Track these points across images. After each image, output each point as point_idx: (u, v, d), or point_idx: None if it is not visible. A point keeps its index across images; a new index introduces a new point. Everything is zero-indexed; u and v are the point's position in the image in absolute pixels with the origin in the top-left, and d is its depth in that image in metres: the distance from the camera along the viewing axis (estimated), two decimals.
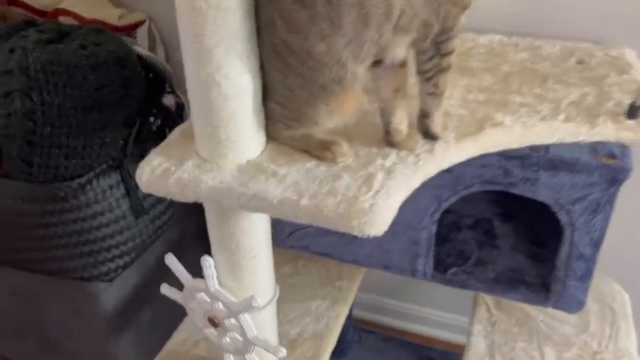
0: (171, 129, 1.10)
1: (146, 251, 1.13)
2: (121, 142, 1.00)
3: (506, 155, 0.82)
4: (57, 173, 0.94)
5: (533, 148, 0.82)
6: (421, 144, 0.65)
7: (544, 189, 0.83)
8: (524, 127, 0.71)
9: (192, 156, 0.63)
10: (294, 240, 1.05)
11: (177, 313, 0.96)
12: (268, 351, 0.73)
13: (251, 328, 0.71)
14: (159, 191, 0.62)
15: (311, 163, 0.62)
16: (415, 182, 0.63)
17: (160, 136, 1.11)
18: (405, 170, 0.62)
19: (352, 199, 0.57)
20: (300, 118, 0.61)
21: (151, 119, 1.08)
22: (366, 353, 1.37)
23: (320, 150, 0.62)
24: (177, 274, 0.75)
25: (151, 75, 1.09)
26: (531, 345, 0.98)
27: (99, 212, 1.00)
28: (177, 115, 1.15)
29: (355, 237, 1.01)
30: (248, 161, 0.62)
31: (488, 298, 1.07)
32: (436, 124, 0.66)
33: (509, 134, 0.69)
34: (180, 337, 1.00)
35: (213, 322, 0.74)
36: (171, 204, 1.14)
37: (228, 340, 0.77)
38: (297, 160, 0.62)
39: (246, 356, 0.74)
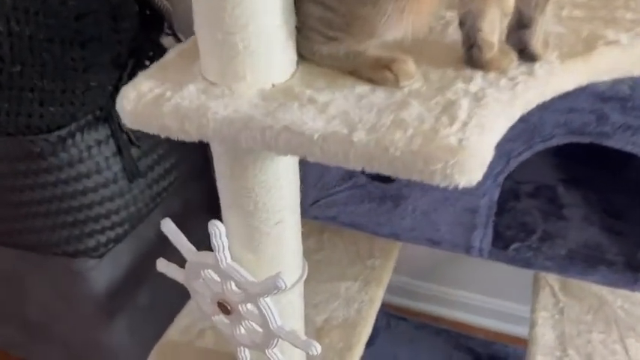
0: None
1: (142, 222, 0.95)
2: (110, 87, 0.82)
3: (601, 96, 0.64)
4: (30, 123, 0.76)
5: (635, 87, 0.64)
6: (515, 64, 0.47)
7: None
8: None
9: (195, 78, 0.44)
10: (320, 209, 0.87)
11: (179, 296, 0.79)
12: (296, 346, 0.56)
13: (274, 317, 0.53)
14: (149, 125, 0.44)
15: (363, 88, 0.44)
16: (515, 113, 0.45)
17: None
18: (499, 96, 0.43)
19: (430, 133, 0.38)
20: (351, 25, 0.42)
21: (147, 62, 0.90)
22: (396, 342, 1.20)
23: (375, 70, 0.44)
24: (178, 246, 0.58)
25: (147, 12, 0.91)
26: (610, 337, 0.80)
27: (84, 174, 0.82)
28: None
29: (396, 205, 0.84)
30: (274, 85, 0.43)
31: (552, 280, 0.89)
32: (537, 37, 0.47)
33: (629, 55, 0.50)
34: (181, 323, 0.83)
35: (224, 308, 0.57)
36: (173, 167, 0.97)
37: (242, 331, 0.59)
38: (343, 83, 0.44)
39: (266, 352, 0.57)
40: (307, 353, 0.57)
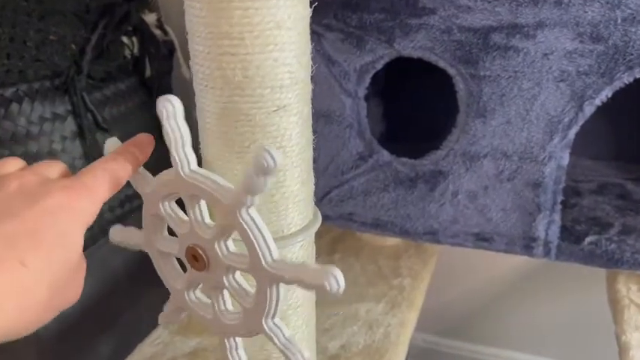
0: (153, 61, 0.78)
1: (105, 235, 0.75)
2: (73, 47, 0.66)
3: None
4: None
5: None
6: None
7: None
8: None
9: None
10: (332, 205, 0.68)
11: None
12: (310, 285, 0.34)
13: (264, 238, 0.32)
14: None
15: None
16: None
17: (136, 70, 0.78)
18: None
19: None
20: None
21: (124, 39, 0.76)
22: None
23: None
24: (129, 240, 0.39)
25: None
26: None
27: (33, 154, 0.64)
28: (166, 50, 0.82)
29: (431, 188, 0.65)
30: None
31: (636, 296, 0.68)
32: None
33: None
34: (145, 353, 0.60)
35: (198, 259, 0.37)
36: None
37: (227, 300, 0.38)
38: None
39: (264, 323, 0.35)
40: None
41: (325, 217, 0.70)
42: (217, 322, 0.38)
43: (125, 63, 0.76)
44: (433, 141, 0.64)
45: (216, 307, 0.38)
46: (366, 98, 0.64)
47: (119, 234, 0.44)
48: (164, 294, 0.45)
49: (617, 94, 0.54)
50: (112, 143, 0.40)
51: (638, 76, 0.52)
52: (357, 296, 0.70)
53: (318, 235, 0.46)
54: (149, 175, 0.38)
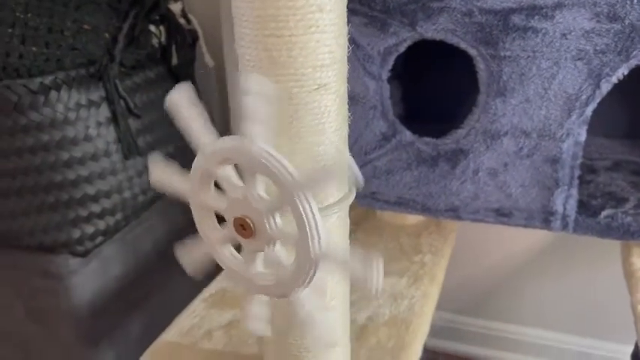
0: (179, 50, 0.80)
1: (138, 217, 0.79)
2: (107, 35, 0.69)
3: None
4: (7, 64, 0.63)
5: None
6: None
7: None
8: None
9: None
10: None
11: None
12: (355, 275, 0.37)
13: (315, 218, 0.35)
14: None
15: None
16: None
17: (164, 58, 0.81)
18: None
19: None
20: None
21: (152, 28, 0.78)
22: None
23: None
24: (188, 126, 0.39)
25: None
26: None
27: (70, 139, 0.68)
28: (190, 38, 0.85)
29: (453, 166, 0.67)
30: None
31: None
32: None
33: None
34: (183, 325, 0.64)
35: (245, 228, 0.39)
36: (179, 151, 0.82)
37: (261, 267, 0.41)
38: None
39: (294, 292, 0.37)
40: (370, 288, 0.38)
41: None
42: (246, 280, 0.41)
43: (153, 51, 0.79)
44: (452, 122, 0.66)
45: (248, 266, 0.41)
46: (388, 81, 0.66)
47: (160, 172, 0.42)
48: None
49: (630, 74, 0.56)
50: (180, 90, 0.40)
51: None
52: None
53: None
54: (214, 132, 0.39)
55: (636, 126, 0.83)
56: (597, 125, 0.83)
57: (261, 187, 0.39)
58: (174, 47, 0.81)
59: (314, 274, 0.38)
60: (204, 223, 0.43)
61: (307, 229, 0.36)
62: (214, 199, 0.41)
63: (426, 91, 0.88)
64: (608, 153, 0.79)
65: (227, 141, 0.39)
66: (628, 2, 0.53)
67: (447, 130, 0.65)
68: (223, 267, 0.43)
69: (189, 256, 0.44)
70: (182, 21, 0.87)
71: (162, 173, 0.42)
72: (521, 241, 1.00)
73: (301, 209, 0.36)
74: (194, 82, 0.88)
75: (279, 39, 0.36)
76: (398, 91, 0.86)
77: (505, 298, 1.05)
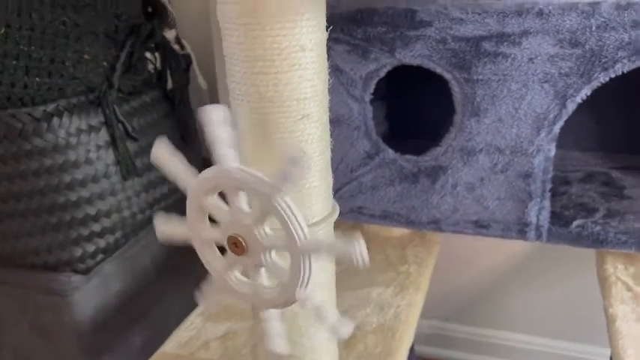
0: (174, 75, 0.85)
1: (137, 235, 0.83)
2: (105, 64, 0.73)
3: None
4: (12, 94, 0.67)
5: None
6: None
7: None
8: None
9: None
10: (342, 201, 0.75)
11: None
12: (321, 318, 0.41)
13: (297, 221, 0.39)
14: None
15: None
16: None
17: (160, 82, 0.85)
18: None
19: None
20: None
21: (148, 54, 0.83)
22: None
23: None
24: (174, 173, 0.45)
25: (149, 9, 0.85)
26: None
27: (72, 162, 0.71)
28: (185, 63, 0.89)
29: (433, 182, 0.72)
30: None
31: (623, 274, 0.74)
32: None
33: None
34: (182, 337, 0.67)
35: (238, 245, 0.43)
36: None
37: (264, 278, 0.45)
38: None
39: (297, 292, 0.42)
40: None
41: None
42: (256, 297, 0.45)
43: (149, 77, 0.83)
44: (436, 137, 0.70)
45: (255, 284, 0.45)
46: (370, 101, 0.70)
47: (165, 228, 0.49)
48: (190, 289, 0.52)
49: (600, 91, 0.60)
50: (159, 145, 0.45)
51: (612, 76, 0.59)
52: (368, 282, 0.76)
53: None
54: (195, 171, 0.44)
55: (607, 139, 0.87)
56: (571, 140, 0.88)
57: (244, 203, 0.43)
58: (169, 72, 0.85)
59: (310, 268, 0.42)
60: (209, 256, 0.47)
61: (290, 225, 0.40)
62: (210, 230, 0.45)
63: (410, 108, 0.92)
64: (582, 165, 0.84)
65: (205, 172, 0.43)
66: (587, 30, 0.57)
67: (428, 147, 0.69)
68: (233, 294, 0.47)
69: (207, 299, 0.48)
70: (176, 47, 0.91)
71: (166, 229, 0.47)
72: (507, 248, 1.04)
73: (281, 210, 0.40)
74: (188, 105, 0.92)
75: (266, 76, 0.41)
76: (382, 110, 0.90)
77: (492, 305, 1.09)
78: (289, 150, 0.37)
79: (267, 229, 0.43)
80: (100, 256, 0.78)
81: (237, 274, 0.47)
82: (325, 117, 0.45)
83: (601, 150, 0.88)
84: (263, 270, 0.45)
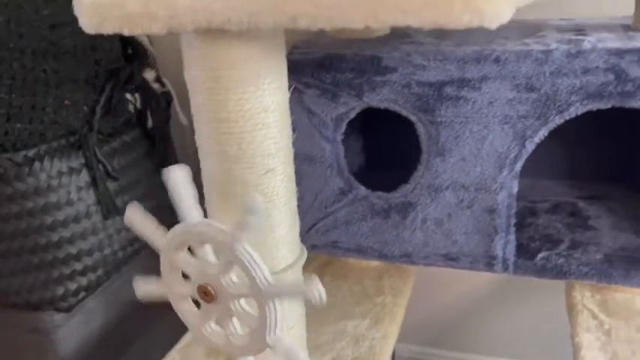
0: (154, 114, 0.87)
1: (119, 271, 0.84)
2: (85, 109, 0.76)
3: (616, 50, 0.59)
4: None
5: None
6: None
7: None
8: None
9: None
10: (319, 235, 0.78)
11: None
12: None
13: (259, 267, 0.41)
14: (110, 18, 0.37)
15: None
16: None
17: (139, 122, 0.87)
18: None
19: None
20: None
21: (128, 96, 0.85)
22: None
23: None
24: (146, 236, 0.48)
25: (129, 50, 0.88)
26: None
27: (53, 204, 0.73)
28: (165, 101, 0.92)
29: (404, 217, 0.74)
30: None
31: (589, 302, 0.77)
32: None
33: None
34: None
35: (207, 293, 0.46)
36: (155, 209, 0.88)
37: (235, 328, 0.47)
38: None
39: (268, 337, 0.44)
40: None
41: (313, 247, 0.79)
42: (230, 346, 0.47)
43: (130, 117, 0.85)
44: (410, 169, 0.73)
45: (228, 333, 0.47)
46: (346, 135, 0.73)
47: (144, 289, 0.52)
48: (171, 323, 0.54)
49: (568, 121, 0.63)
50: (132, 209, 0.48)
51: (567, 118, 0.62)
52: (345, 314, 0.79)
53: (309, 262, 0.55)
54: (164, 230, 0.48)
55: (574, 167, 0.91)
56: (540, 168, 0.91)
57: (211, 255, 0.45)
58: (149, 112, 0.88)
59: (276, 312, 0.44)
60: (185, 311, 0.49)
61: (253, 272, 0.42)
62: (183, 285, 0.48)
63: (386, 140, 0.95)
64: (549, 195, 0.87)
65: (171, 230, 0.46)
66: (542, 75, 0.61)
67: (406, 176, 0.71)
68: (209, 344, 0.49)
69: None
70: (157, 85, 0.94)
71: (145, 289, 0.49)
72: (479, 276, 1.07)
73: (242, 258, 0.42)
74: (170, 141, 0.94)
75: (231, 135, 0.43)
76: (358, 142, 0.93)
77: (472, 329, 1.12)
78: (246, 200, 0.39)
79: (234, 278, 0.45)
80: (82, 294, 0.79)
81: (212, 325, 0.49)
82: (290, 169, 0.48)
83: (569, 178, 0.92)
84: (235, 318, 0.47)
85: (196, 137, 0.46)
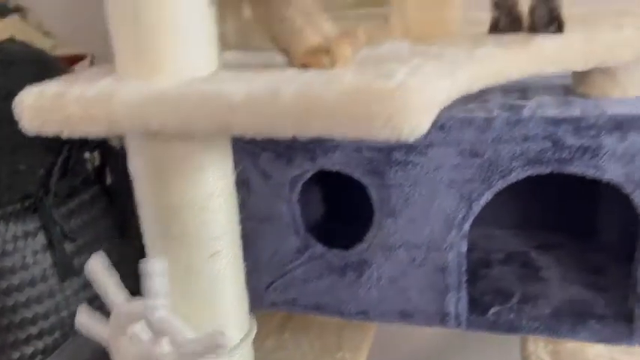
0: (113, 171, 0.87)
1: (77, 332, 0.83)
2: (42, 172, 0.76)
3: (552, 119, 0.62)
4: None
5: (585, 107, 0.62)
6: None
7: (610, 161, 0.62)
8: None
9: (108, 75, 0.40)
10: (277, 293, 0.78)
11: None
12: None
13: (179, 330, 0.43)
14: (51, 120, 0.38)
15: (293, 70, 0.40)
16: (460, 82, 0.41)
17: (98, 179, 0.88)
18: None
19: (366, 82, 0.34)
20: None
21: (86, 155, 0.86)
22: None
23: (311, 55, 0.41)
24: (104, 291, 0.48)
25: None
26: None
27: (7, 269, 0.73)
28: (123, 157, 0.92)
29: (359, 275, 0.76)
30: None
31: (542, 352, 0.79)
32: None
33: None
34: None
35: None
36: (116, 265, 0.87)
37: None
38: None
39: None
40: None
41: (272, 304, 0.80)
42: None
43: (88, 175, 0.85)
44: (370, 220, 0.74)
45: None
46: (305, 188, 0.74)
47: (86, 323, 0.52)
48: None
49: None
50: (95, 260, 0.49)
51: (510, 183, 0.64)
52: None
53: (270, 317, 0.56)
54: (123, 291, 0.47)
55: (526, 216, 0.93)
56: (496, 217, 0.94)
57: (168, 341, 0.46)
58: (108, 168, 0.88)
59: None
60: None
61: (172, 335, 0.43)
62: (128, 346, 0.48)
63: (347, 192, 0.97)
64: (503, 245, 0.89)
65: (135, 306, 0.46)
66: (484, 142, 0.63)
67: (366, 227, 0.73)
68: None
69: None
70: (117, 141, 0.94)
71: (88, 322, 0.49)
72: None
73: (160, 324, 0.43)
74: (130, 196, 0.94)
75: (175, 220, 0.44)
76: (318, 194, 0.95)
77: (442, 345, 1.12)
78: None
79: (166, 348, 0.45)
80: (39, 357, 0.78)
81: None
82: (237, 249, 0.49)
83: (522, 228, 0.94)
84: None
85: (142, 223, 0.47)
